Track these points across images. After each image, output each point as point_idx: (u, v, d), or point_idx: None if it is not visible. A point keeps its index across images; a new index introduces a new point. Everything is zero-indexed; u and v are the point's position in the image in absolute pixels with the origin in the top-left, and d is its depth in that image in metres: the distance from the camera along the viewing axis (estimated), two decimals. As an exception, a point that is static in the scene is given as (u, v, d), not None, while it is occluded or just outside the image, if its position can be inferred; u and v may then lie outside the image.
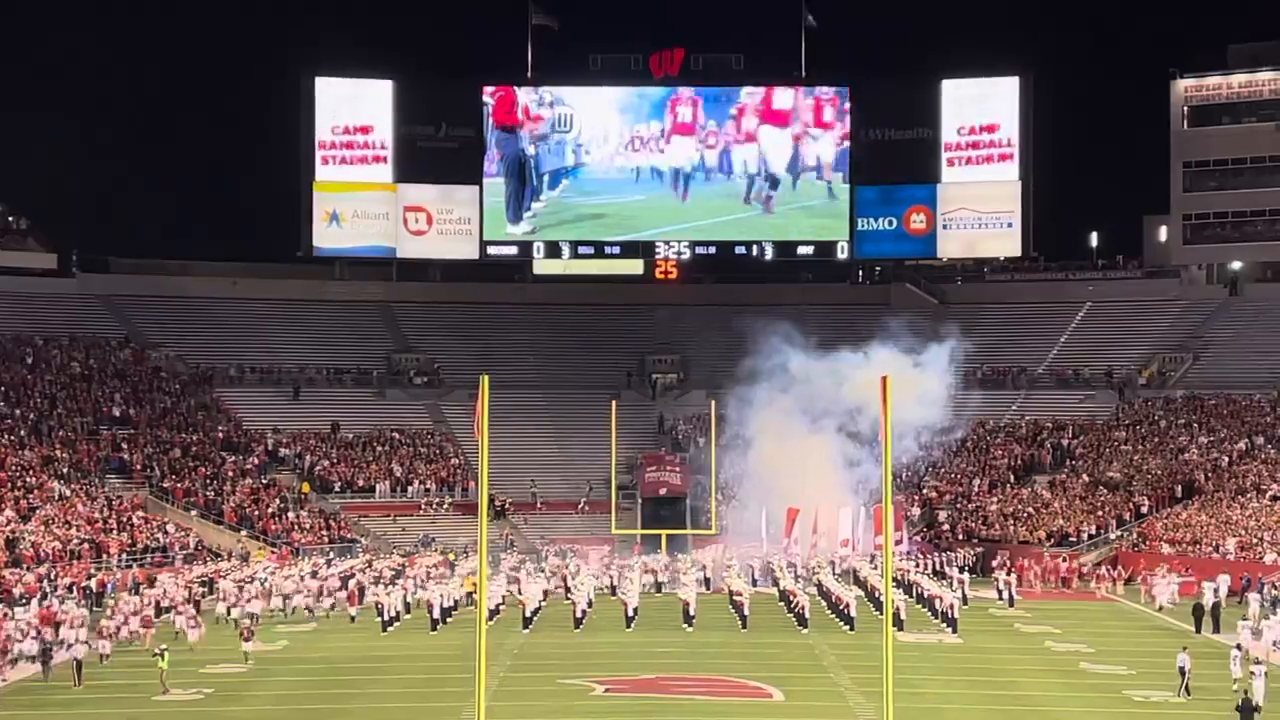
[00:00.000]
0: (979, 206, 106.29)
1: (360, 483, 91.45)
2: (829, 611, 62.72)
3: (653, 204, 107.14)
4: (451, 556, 78.11)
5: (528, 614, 60.59)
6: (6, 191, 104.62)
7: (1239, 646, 47.80)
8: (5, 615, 54.80)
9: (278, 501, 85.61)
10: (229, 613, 61.07)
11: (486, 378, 36.62)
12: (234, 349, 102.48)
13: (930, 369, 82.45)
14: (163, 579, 65.95)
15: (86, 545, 72.50)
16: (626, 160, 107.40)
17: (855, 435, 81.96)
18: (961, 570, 72.33)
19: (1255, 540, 73.83)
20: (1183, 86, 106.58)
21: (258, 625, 56.78)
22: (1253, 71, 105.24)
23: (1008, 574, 70.33)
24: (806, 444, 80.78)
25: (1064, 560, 77.08)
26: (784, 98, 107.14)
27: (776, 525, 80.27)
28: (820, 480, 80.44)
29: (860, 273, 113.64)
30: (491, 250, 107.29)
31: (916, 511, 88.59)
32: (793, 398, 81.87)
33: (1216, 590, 63.69)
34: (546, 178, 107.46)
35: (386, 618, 59.86)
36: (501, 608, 62.88)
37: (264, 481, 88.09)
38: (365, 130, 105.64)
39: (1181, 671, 45.02)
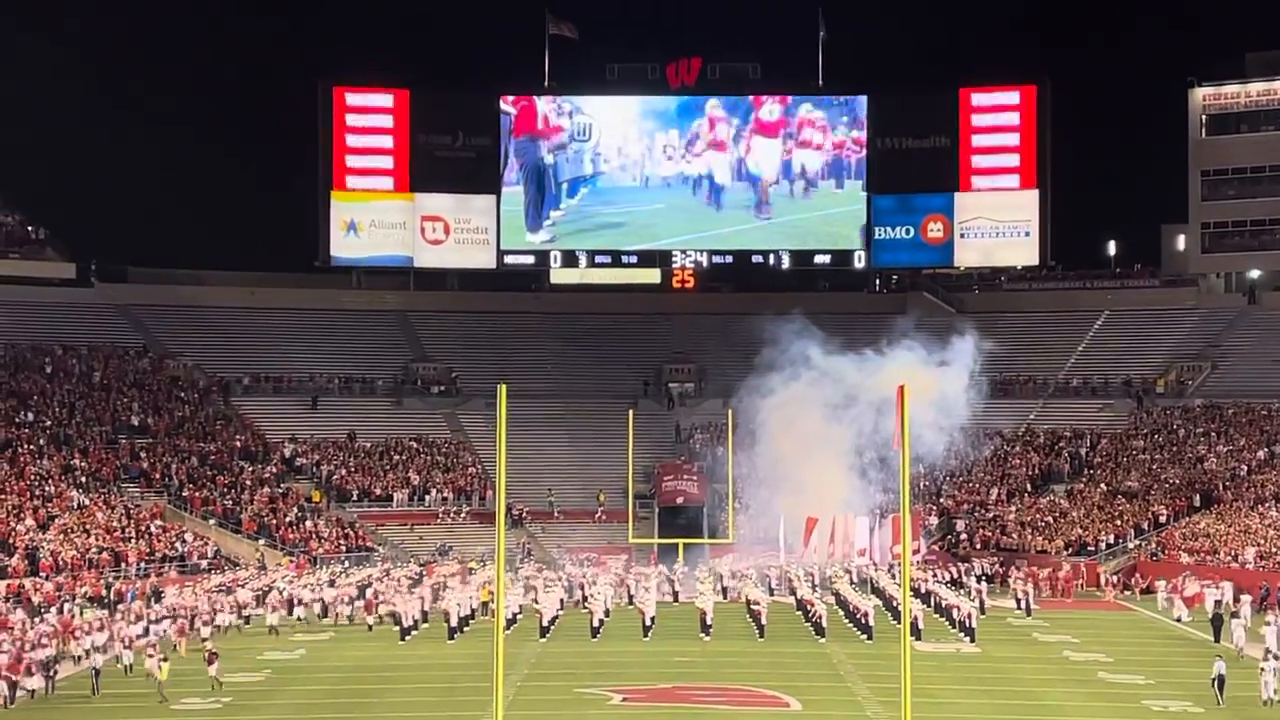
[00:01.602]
0: (996, 215, 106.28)
1: (377, 491, 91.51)
2: (847, 621, 62.61)
3: (670, 213, 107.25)
4: (474, 565, 78.13)
5: (545, 623, 60.58)
6: (25, 201, 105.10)
7: (1274, 656, 47.79)
8: (24, 624, 54.95)
9: (295, 510, 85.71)
10: (247, 621, 61.21)
11: (504, 387, 36.62)
12: (251, 358, 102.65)
13: (955, 365, 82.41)
14: (169, 592, 65.61)
15: (105, 554, 72.62)
16: (644, 169, 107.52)
17: (873, 441, 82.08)
18: (979, 580, 72.21)
19: (1274, 549, 73.63)
20: (1200, 95, 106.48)
21: (277, 633, 56.71)
22: (1270, 80, 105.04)
23: (1025, 583, 70.25)
24: (824, 450, 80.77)
25: (1066, 570, 76.94)
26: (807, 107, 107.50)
27: (794, 534, 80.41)
28: (837, 488, 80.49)
29: (877, 281, 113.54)
30: (509, 259, 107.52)
31: (934, 521, 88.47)
32: (812, 396, 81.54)
33: (1220, 600, 64.01)
34: (565, 186, 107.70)
35: (404, 626, 59.89)
36: (519, 616, 62.89)
37: (281, 490, 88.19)
38: (382, 140, 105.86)
39: (1222, 680, 44.81)
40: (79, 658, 51.14)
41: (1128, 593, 75.18)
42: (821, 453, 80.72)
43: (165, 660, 47.55)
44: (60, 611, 59.06)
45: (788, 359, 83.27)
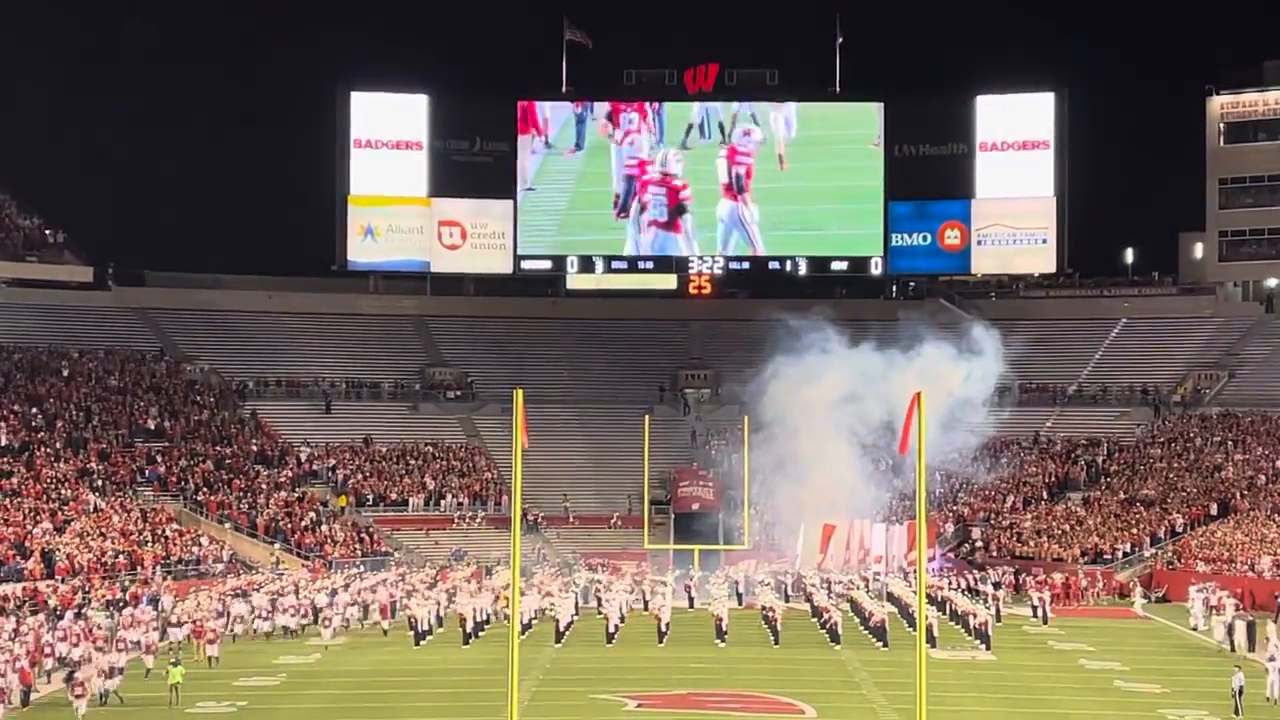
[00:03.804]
0: (1014, 222, 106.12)
1: (393, 496, 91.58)
2: (862, 628, 62.56)
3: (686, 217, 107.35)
4: (498, 568, 78.06)
5: (560, 628, 60.59)
6: (43, 204, 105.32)
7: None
8: (41, 626, 55.03)
9: (311, 515, 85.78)
10: (265, 625, 61.32)
11: (520, 392, 36.66)
12: (268, 362, 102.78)
13: (983, 358, 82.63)
14: (166, 599, 65.28)
15: (121, 558, 72.71)
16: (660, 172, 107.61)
17: (888, 446, 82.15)
18: (995, 587, 72.11)
19: (1291, 558, 73.53)
20: (1218, 103, 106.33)
21: (280, 638, 56.68)
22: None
23: (1041, 591, 70.18)
24: (842, 450, 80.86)
25: (1063, 576, 76.85)
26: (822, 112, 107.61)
27: (811, 541, 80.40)
28: (856, 490, 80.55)
29: (894, 288, 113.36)
30: (525, 265, 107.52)
31: (950, 528, 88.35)
32: (831, 394, 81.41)
33: (1206, 601, 65.48)
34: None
35: (419, 631, 59.91)
36: (534, 622, 62.90)
37: (297, 495, 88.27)
38: (400, 145, 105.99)
39: (1241, 690, 44.85)
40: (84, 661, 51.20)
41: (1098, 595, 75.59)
42: (840, 452, 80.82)
43: (177, 664, 47.61)
44: (78, 615, 59.12)
45: (806, 358, 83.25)
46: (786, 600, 69.70)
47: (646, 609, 67.30)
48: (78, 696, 44.11)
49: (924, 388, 37.67)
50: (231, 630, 60.09)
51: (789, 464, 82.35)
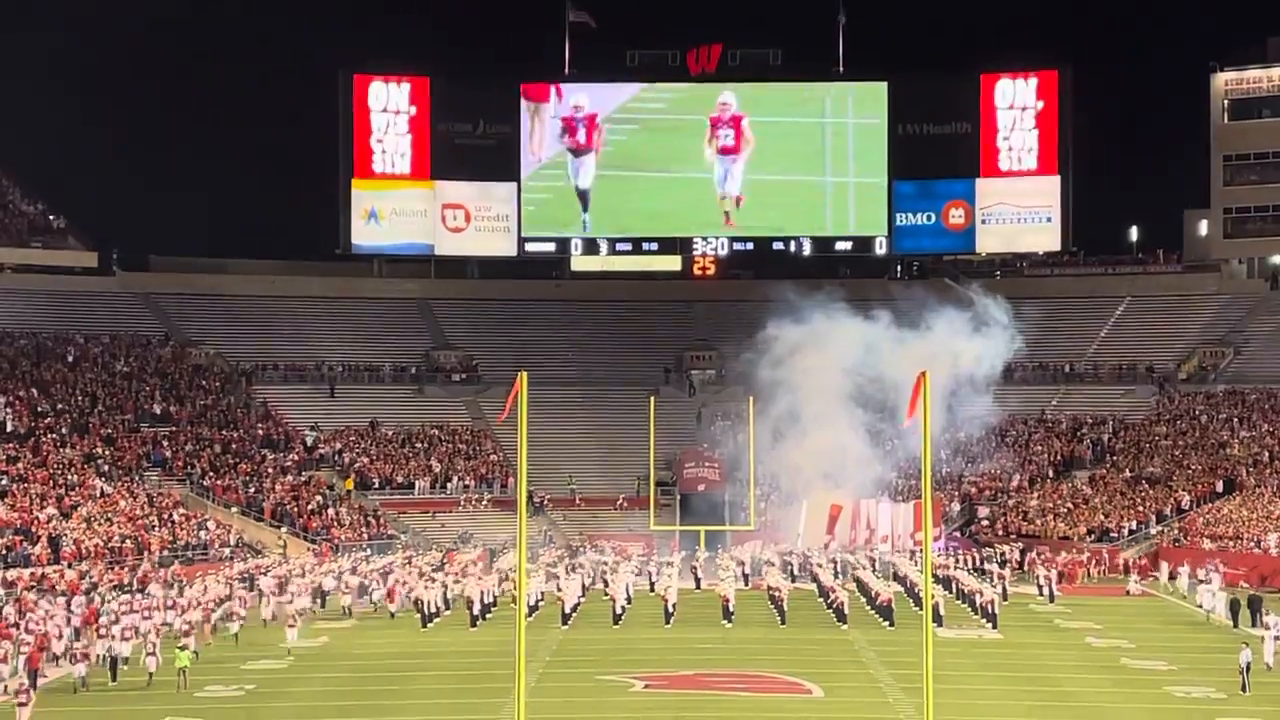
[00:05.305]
0: (1018, 201, 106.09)
1: (399, 479, 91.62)
2: (868, 607, 62.58)
3: (690, 199, 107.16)
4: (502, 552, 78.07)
5: (566, 610, 60.63)
6: (46, 190, 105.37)
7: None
8: (48, 615, 55.03)
9: (318, 498, 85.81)
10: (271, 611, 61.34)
11: (525, 374, 36.64)
12: (273, 346, 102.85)
13: (993, 329, 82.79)
14: (153, 589, 64.91)
15: (128, 543, 72.77)
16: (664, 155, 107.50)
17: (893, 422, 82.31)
18: (1002, 566, 72.11)
19: (1297, 535, 73.52)
20: (1222, 80, 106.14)
21: (303, 619, 56.67)
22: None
23: (1047, 569, 70.18)
24: (843, 427, 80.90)
25: (1066, 554, 76.90)
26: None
27: (817, 521, 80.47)
28: (863, 467, 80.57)
29: (899, 268, 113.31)
30: (529, 247, 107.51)
31: (956, 507, 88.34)
32: (835, 364, 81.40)
33: (1192, 574, 67.25)
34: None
35: (426, 614, 59.97)
36: (540, 604, 62.95)
37: (303, 478, 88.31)
38: (404, 128, 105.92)
39: (1248, 667, 44.91)
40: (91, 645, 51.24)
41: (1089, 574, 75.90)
42: (843, 426, 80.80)
43: (184, 648, 47.67)
44: (88, 600, 59.17)
45: (810, 327, 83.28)
46: (793, 580, 69.71)
47: (653, 590, 67.38)
48: (20, 705, 40.75)
49: (935, 363, 37.68)
50: (258, 610, 60.20)
51: (791, 437, 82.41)
